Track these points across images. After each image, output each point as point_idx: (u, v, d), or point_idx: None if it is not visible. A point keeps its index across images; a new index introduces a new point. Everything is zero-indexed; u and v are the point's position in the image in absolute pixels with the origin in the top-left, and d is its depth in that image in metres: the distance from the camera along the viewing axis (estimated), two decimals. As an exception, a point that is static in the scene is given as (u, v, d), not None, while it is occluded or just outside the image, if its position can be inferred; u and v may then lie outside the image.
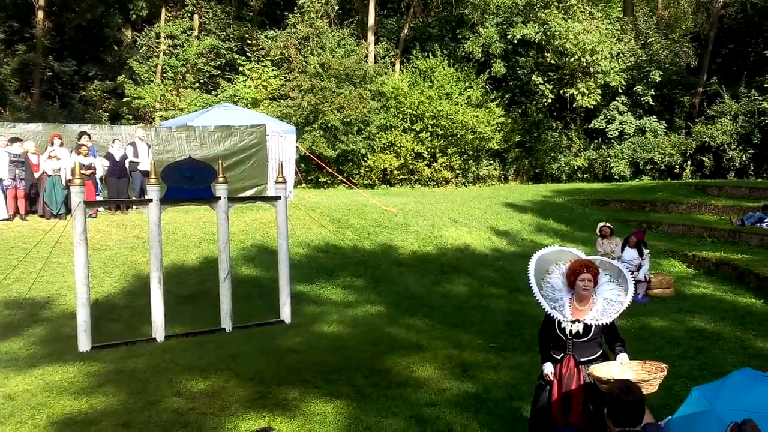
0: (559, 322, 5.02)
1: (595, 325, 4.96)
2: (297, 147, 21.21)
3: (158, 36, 31.83)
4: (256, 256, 13.88)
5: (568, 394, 5.00)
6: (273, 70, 29.22)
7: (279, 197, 10.68)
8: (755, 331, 9.66)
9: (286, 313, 10.40)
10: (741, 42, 31.92)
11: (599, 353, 5.08)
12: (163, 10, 32.53)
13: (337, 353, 8.64)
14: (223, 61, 32.38)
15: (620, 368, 4.71)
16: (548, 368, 5.13)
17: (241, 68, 29.93)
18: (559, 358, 5.09)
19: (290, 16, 29.41)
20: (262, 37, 29.98)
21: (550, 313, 5.07)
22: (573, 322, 4.98)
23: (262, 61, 29.44)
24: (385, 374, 7.82)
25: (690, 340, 9.25)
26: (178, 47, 31.11)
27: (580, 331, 4.96)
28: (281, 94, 28.76)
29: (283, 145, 18.93)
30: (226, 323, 9.87)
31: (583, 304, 5.03)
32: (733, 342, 9.11)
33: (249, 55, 30.63)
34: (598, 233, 12.96)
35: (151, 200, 9.41)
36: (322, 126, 25.87)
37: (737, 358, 8.32)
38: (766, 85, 25.34)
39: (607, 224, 13.01)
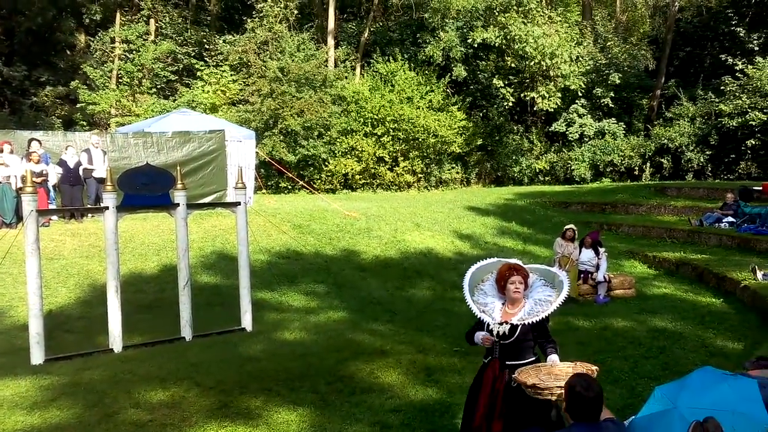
0: (488, 325, 4.95)
1: (523, 325, 4.86)
2: (257, 152, 21.07)
3: (113, 41, 31.33)
4: (216, 263, 13.73)
5: (494, 399, 4.90)
6: (232, 74, 28.97)
7: (239, 203, 10.59)
8: (715, 330, 9.84)
9: (247, 321, 10.30)
10: (697, 45, 32.62)
11: (531, 359, 4.96)
12: (118, 14, 32.02)
13: (300, 360, 8.57)
14: (181, 66, 32.04)
15: (549, 370, 4.62)
16: (480, 334, 5.01)
17: (199, 73, 29.59)
18: (486, 362, 5.03)
19: (249, 20, 29.21)
20: (221, 41, 29.72)
21: (479, 317, 5.01)
22: (501, 324, 4.91)
23: (221, 66, 29.17)
24: (349, 380, 7.78)
25: (652, 340, 9.37)
26: (134, 52, 30.66)
27: (506, 332, 4.87)
28: (240, 99, 28.53)
29: (242, 151, 18.79)
30: (186, 332, 9.74)
31: (514, 307, 4.98)
32: (694, 341, 9.26)
33: (207, 59, 30.34)
34: (562, 234, 13.08)
35: (107, 208, 9.23)
36: (282, 131, 25.75)
37: (698, 357, 8.44)
38: (722, 88, 25.91)
39: (573, 227, 13.14)
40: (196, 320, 9.95)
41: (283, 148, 25.61)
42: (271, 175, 25.91)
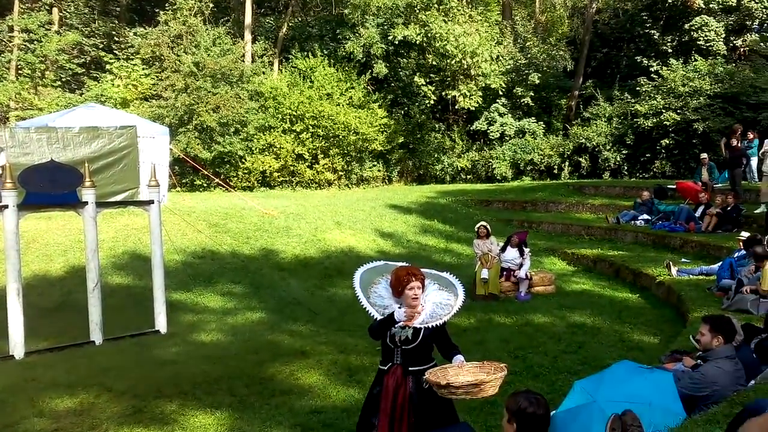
0: (389, 330, 4.75)
1: (425, 328, 4.72)
2: (170, 149, 20.58)
3: (11, 29, 29.90)
4: (129, 263, 13.35)
5: (395, 406, 4.72)
6: (144, 69, 28.21)
7: (152, 201, 10.33)
8: (631, 324, 10.19)
9: (161, 323, 10.05)
10: (614, 47, 33.71)
11: (432, 363, 4.82)
12: (17, 1, 30.59)
13: (217, 363, 8.42)
14: (88, 58, 30.94)
15: (456, 371, 4.58)
16: (398, 313, 4.75)
17: (108, 66, 28.65)
18: (386, 368, 4.82)
19: (162, 13, 28.51)
20: (131, 34, 28.89)
21: (379, 320, 4.79)
22: (403, 328, 4.73)
23: (132, 60, 28.35)
24: (269, 382, 7.69)
25: (571, 335, 9.63)
26: (36, 42, 29.35)
27: (410, 337, 4.71)
28: (153, 94, 27.81)
29: (155, 148, 18.29)
30: (96, 335, 9.41)
31: (412, 311, 4.78)
32: (611, 336, 9.57)
33: (117, 52, 29.41)
34: (476, 233, 13.30)
35: (6, 206, 8.83)
36: (197, 127, 25.25)
37: (616, 351, 8.72)
38: (638, 89, 26.83)
39: (485, 224, 13.38)
40: (107, 323, 9.63)
41: (198, 144, 25.13)
42: (186, 173, 25.39)
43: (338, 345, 9.34)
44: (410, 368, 4.73)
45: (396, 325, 4.71)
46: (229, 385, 7.52)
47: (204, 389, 7.38)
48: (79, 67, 30.27)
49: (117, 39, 30.17)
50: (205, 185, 25.72)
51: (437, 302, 4.88)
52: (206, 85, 25.69)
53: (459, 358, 4.69)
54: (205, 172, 23.62)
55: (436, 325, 4.73)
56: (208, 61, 26.21)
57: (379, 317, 4.79)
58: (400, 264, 5.10)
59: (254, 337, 9.80)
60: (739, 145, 17.00)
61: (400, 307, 4.78)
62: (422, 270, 5.00)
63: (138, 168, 17.03)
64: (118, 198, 16.01)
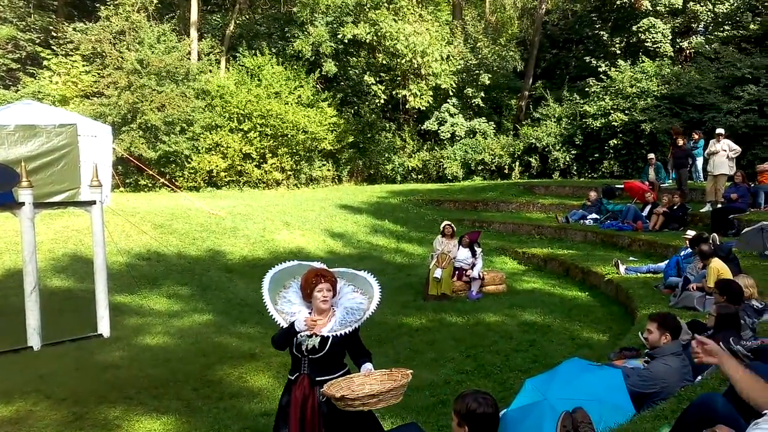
0: (296, 338, 4.52)
1: (333, 337, 4.49)
2: (113, 148, 20.19)
3: (-62, 22, 28.91)
4: (69, 266, 13.06)
5: (304, 418, 4.48)
6: (84, 65, 27.57)
7: (94, 202, 10.11)
8: (581, 322, 10.36)
9: (104, 327, 9.85)
10: (563, 48, 34.26)
11: (342, 371, 4.61)
12: (-56, -7, 29.59)
13: (164, 366, 8.28)
14: (24, 53, 30.07)
15: (362, 380, 4.41)
16: (300, 320, 4.55)
17: (46, 62, 27.89)
18: (293, 378, 4.58)
19: (103, 8, 27.92)
20: (70, 29, 28.19)
21: (286, 329, 4.55)
22: (310, 336, 4.51)
23: (71, 56, 27.69)
24: (217, 386, 7.60)
25: (522, 334, 9.74)
26: (-35, 36, 28.45)
27: (316, 346, 4.48)
28: (94, 92, 27.20)
29: (97, 147, 17.92)
30: (34, 340, 9.16)
31: (322, 317, 4.59)
32: (562, 333, 9.70)
33: (55, 48, 28.66)
34: (441, 231, 13.33)
35: (-62, 205, 8.55)
36: (141, 126, 24.84)
37: (566, 348, 8.85)
38: (586, 89, 27.32)
39: (451, 224, 13.44)
40: (46, 328, 9.38)
41: (142, 143, 24.72)
42: (130, 173, 24.94)
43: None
44: (318, 378, 4.49)
45: (302, 333, 4.51)
46: (176, 389, 7.41)
47: (149, 393, 7.25)
48: (14, 63, 29.40)
49: (55, 34, 29.37)
50: (149, 185, 25.30)
51: (349, 307, 4.66)
52: (151, 83, 25.27)
53: (367, 367, 4.53)
54: (150, 172, 23.24)
55: (346, 332, 4.51)
56: (153, 58, 25.79)
57: (285, 324, 4.57)
58: (313, 264, 4.90)
59: (201, 340, 9.67)
60: (684, 145, 17.44)
61: (310, 313, 4.60)
62: (338, 270, 4.88)
63: (79, 167, 16.67)
64: (58, 198, 15.65)
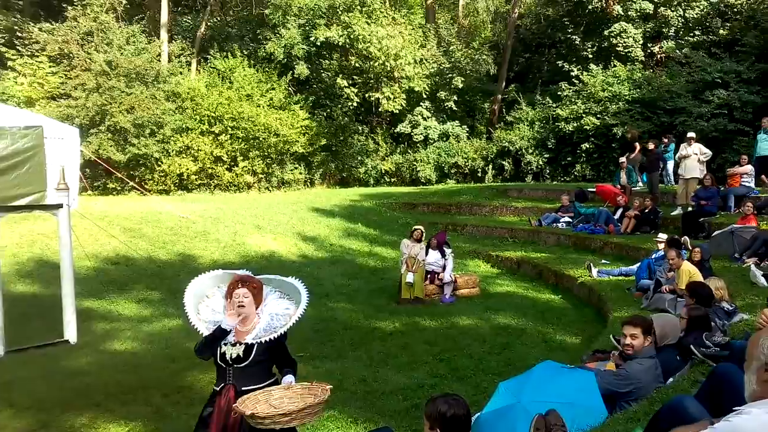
0: (219, 348, 4.37)
1: (258, 344, 4.33)
2: (81, 151, 19.92)
3: None
4: (34, 270, 12.87)
5: (226, 430, 4.30)
6: (51, 66, 27.17)
7: (60, 205, 9.97)
8: (554, 325, 10.44)
9: (71, 332, 9.69)
10: (536, 52, 34.54)
11: (270, 381, 4.44)
12: None
13: (133, 372, 8.19)
14: (-14, 53, 29.61)
15: (282, 393, 4.20)
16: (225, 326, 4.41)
17: (10, 63, 27.41)
18: (218, 389, 4.41)
19: (70, 8, 27.56)
20: (36, 29, 27.78)
21: (208, 336, 4.39)
22: (234, 344, 4.36)
23: (37, 57, 27.27)
24: (187, 391, 7.53)
25: (496, 337, 9.78)
26: (-77, 35, 27.84)
27: (241, 354, 4.32)
28: (61, 94, 26.81)
29: (64, 149, 17.67)
30: (-2, 347, 9.00)
31: (246, 324, 4.42)
32: (535, 336, 9.76)
33: (20, 48, 28.19)
34: (410, 235, 13.30)
35: None
36: (110, 128, 24.52)
37: (539, 351, 8.90)
38: (559, 93, 27.53)
39: (421, 228, 13.42)
40: (10, 334, 9.20)
41: (111, 146, 24.39)
42: (98, 176, 24.60)
43: (259, 351, 9.20)
44: (243, 389, 4.29)
45: (225, 342, 4.37)
46: (145, 395, 7.32)
47: (118, 400, 7.16)
48: (-24, 63, 28.93)
49: (20, 34, 28.92)
50: (118, 188, 24.99)
51: (274, 313, 4.50)
52: (120, 84, 24.98)
53: (288, 379, 4.35)
54: (119, 175, 22.96)
55: (271, 339, 4.33)
56: (122, 60, 25.49)
57: (205, 332, 4.42)
58: (238, 272, 4.70)
59: (172, 345, 9.57)
60: (655, 148, 17.65)
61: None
62: (264, 276, 4.72)
63: (45, 170, 16.38)
64: (23, 202, 15.35)
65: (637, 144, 19.68)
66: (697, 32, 28.01)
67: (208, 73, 28.52)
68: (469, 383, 7.74)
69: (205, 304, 4.63)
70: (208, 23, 32.14)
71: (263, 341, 4.33)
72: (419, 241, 13.06)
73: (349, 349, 9.48)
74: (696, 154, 15.62)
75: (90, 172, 23.80)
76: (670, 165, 19.17)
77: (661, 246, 11.56)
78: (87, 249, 13.81)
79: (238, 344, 4.35)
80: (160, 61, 27.95)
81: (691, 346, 5.88)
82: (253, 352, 4.33)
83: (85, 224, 14.52)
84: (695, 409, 3.73)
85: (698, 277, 8.90)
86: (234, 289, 4.42)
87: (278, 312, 4.50)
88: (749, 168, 16.00)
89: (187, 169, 25.87)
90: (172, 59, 29.01)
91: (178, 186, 26.37)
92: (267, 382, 4.39)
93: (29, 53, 27.24)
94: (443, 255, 12.99)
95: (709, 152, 15.98)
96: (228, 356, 4.34)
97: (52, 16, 29.38)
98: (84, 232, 14.26)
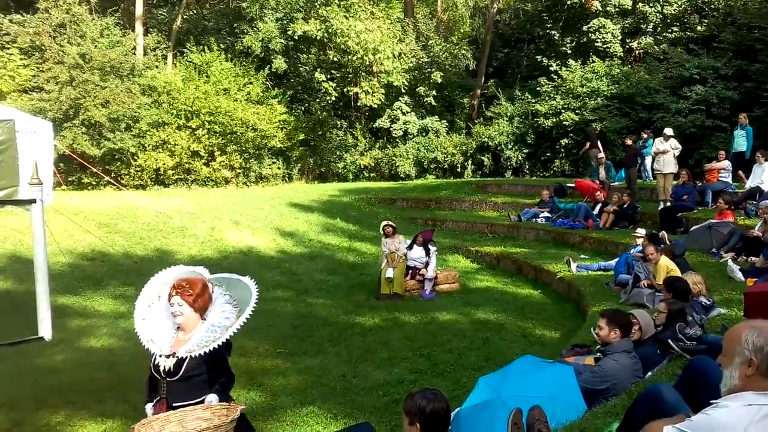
0: (154, 359, 4.13)
1: (191, 358, 4.03)
2: (55, 145, 19.72)
3: None
4: (7, 266, 12.74)
5: None
6: (22, 59, 26.83)
7: (34, 200, 9.86)
8: (534, 320, 10.52)
9: (45, 329, 9.61)
10: (515, 47, 34.70)
11: (206, 396, 4.13)
12: None
13: (109, 369, 8.14)
14: (-44, 46, 29.17)
15: (181, 415, 3.92)
16: (148, 410, 4.16)
17: (-21, 56, 27.15)
18: (153, 403, 4.15)
19: (41, 0, 27.27)
20: (6, 21, 27.42)
21: (145, 346, 4.16)
22: (169, 356, 4.09)
23: (8, 49, 26.91)
24: (164, 388, 7.47)
25: (475, 332, 9.84)
26: None
27: (172, 368, 4.05)
28: (33, 87, 26.50)
29: (37, 143, 17.49)
30: (-29, 345, 8.91)
31: (186, 333, 4.16)
32: (514, 331, 9.83)
33: (-10, 40, 27.89)
34: (381, 232, 13.36)
35: None
36: (84, 122, 24.29)
37: (519, 346, 8.97)
38: (538, 89, 27.69)
39: (390, 223, 13.44)
40: (-17, 331, 9.14)
41: (85, 140, 24.17)
42: (73, 170, 24.38)
43: (237, 348, 9.08)
44: (175, 404, 4.06)
45: (159, 353, 4.11)
46: (122, 392, 7.26)
47: (93, 397, 7.11)
48: (-55, 56, 28.49)
49: (-10, 26, 28.58)
50: (93, 183, 24.79)
51: (213, 324, 4.18)
52: (94, 78, 24.74)
53: (209, 399, 4.07)
54: (94, 170, 22.76)
55: (205, 352, 4.04)
56: (96, 53, 25.24)
57: (145, 342, 4.16)
58: (196, 269, 4.45)
59: (148, 342, 9.50)
60: (633, 144, 17.82)
61: (177, 329, 4.20)
62: (217, 276, 4.47)
63: (17, 165, 16.22)
64: (-5, 197, 15.24)
65: (589, 143, 20.70)
66: (674, 28, 28.28)
67: (184, 67, 28.32)
68: (449, 378, 7.78)
69: (156, 306, 4.32)
70: (184, 16, 31.90)
71: (195, 355, 4.04)
72: (389, 236, 13.10)
73: (328, 345, 9.48)
74: (672, 149, 15.81)
75: (64, 167, 23.60)
76: (648, 160, 19.40)
77: (640, 241, 11.68)
78: (62, 245, 13.66)
79: (172, 356, 4.09)
80: (135, 54, 27.72)
81: (669, 341, 5.97)
82: (184, 366, 4.06)
83: (59, 219, 14.38)
84: (671, 397, 3.78)
85: (676, 271, 9.00)
86: (170, 297, 4.15)
87: (218, 322, 4.18)
88: (727, 163, 16.23)
89: (164, 163, 25.70)
90: (148, 53, 28.77)
91: (155, 181, 26.20)
92: (203, 397, 4.10)
93: (0, 46, 26.87)
94: (427, 252, 13.04)
95: (679, 146, 16.21)
96: (161, 368, 4.09)
97: (23, 7, 28.94)
98: (58, 228, 14.12)
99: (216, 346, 4.04)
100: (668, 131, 16.43)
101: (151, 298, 4.34)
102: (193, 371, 4.06)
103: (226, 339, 4.14)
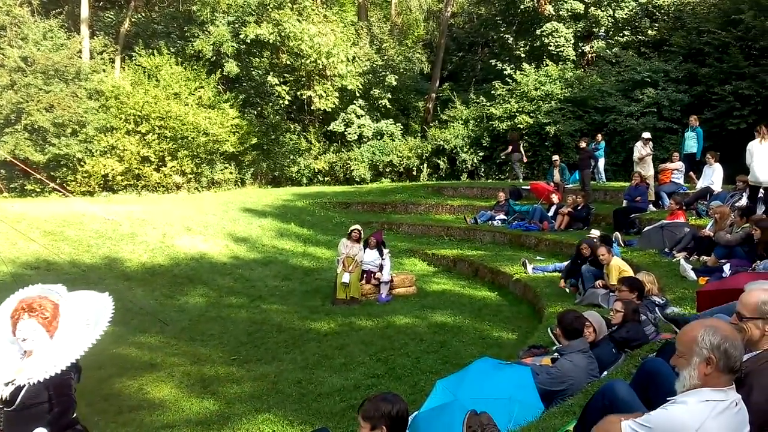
0: None
1: (30, 386, 3.66)
2: (-4, 151, 19.29)
3: None
4: (-53, 277, 12.38)
5: None
6: (-40, 62, 26.24)
7: (-25, 206, 9.61)
8: (491, 321, 10.59)
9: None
10: (469, 51, 35.00)
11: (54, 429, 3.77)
12: None
13: (55, 380, 7.93)
14: None
15: None
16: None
17: None
18: None
19: (-20, 2, 26.66)
20: (-58, 23, 26.76)
21: None
22: (7, 384, 3.70)
23: (-55, 52, 26.28)
24: (115, 399, 7.37)
25: (433, 335, 9.87)
26: None
27: (8, 397, 3.67)
28: (-27, 91, 25.91)
29: (-22, 149, 17.12)
30: None
31: (31, 357, 3.83)
32: (472, 333, 9.89)
33: (-75, 43, 27.12)
34: (348, 236, 13.29)
35: None
36: (27, 127, 23.76)
37: (476, 348, 9.02)
38: (492, 92, 27.97)
39: (359, 228, 13.44)
40: None
41: (29, 146, 23.64)
42: (15, 177, 23.82)
43: (190, 356, 9.09)
44: None
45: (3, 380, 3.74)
46: (69, 404, 7.11)
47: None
48: None
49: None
50: (38, 190, 24.24)
51: (60, 346, 3.86)
52: (37, 82, 24.23)
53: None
54: (38, 176, 22.24)
55: (45, 379, 3.67)
56: (39, 56, 24.74)
57: None
58: (54, 288, 4.11)
59: (97, 351, 9.09)
60: (587, 147, 18.12)
61: (24, 353, 3.86)
62: (74, 293, 4.20)
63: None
64: (-65, 205, 14.85)
65: (511, 146, 22.19)
66: (626, 32, 28.91)
67: (133, 71, 27.89)
68: (407, 382, 7.79)
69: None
70: (132, 19, 31.46)
71: (33, 382, 3.67)
72: (358, 241, 13.09)
73: (283, 351, 9.42)
74: (651, 152, 16.16)
75: (6, 174, 23.09)
76: (601, 163, 19.75)
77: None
78: (3, 254, 13.34)
79: (10, 384, 3.70)
80: (81, 57, 27.20)
81: (657, 309, 6.18)
82: (21, 395, 3.69)
83: (1, 228, 14.04)
84: (626, 393, 3.86)
85: (629, 272, 9.17)
86: (18, 319, 3.81)
87: (64, 344, 3.86)
88: (680, 164, 16.57)
89: (113, 169, 25.27)
90: (94, 56, 28.27)
91: (103, 187, 25.73)
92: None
93: (-65, 48, 26.13)
94: (381, 254, 13.05)
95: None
96: (0, 397, 3.70)
97: (-40, 9, 28.25)
98: (0, 236, 13.80)
99: (59, 371, 3.70)
100: (646, 135, 16.71)
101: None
102: (33, 400, 3.72)
103: (73, 362, 3.82)
